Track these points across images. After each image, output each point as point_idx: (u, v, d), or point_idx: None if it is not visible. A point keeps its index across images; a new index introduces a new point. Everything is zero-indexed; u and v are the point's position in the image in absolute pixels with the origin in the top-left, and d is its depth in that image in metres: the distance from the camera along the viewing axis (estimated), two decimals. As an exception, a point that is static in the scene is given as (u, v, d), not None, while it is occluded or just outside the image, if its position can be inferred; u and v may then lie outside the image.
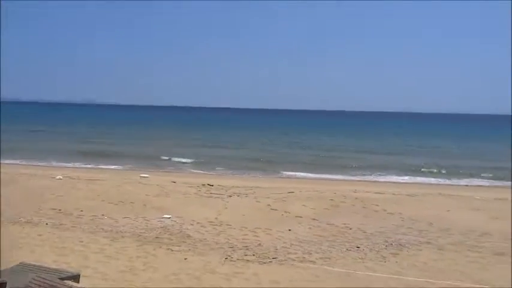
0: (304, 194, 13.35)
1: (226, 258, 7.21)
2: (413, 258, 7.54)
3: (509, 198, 13.21)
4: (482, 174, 20.71)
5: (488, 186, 18.09)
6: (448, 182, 19.23)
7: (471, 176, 20.56)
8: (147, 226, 9.13)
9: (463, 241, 8.68)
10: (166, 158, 24.47)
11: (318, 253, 7.68)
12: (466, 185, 18.25)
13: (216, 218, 9.97)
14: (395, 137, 47.29)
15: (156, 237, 8.33)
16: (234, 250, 7.69)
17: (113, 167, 20.72)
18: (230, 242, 8.20)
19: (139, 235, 8.43)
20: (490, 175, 20.58)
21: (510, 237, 8.95)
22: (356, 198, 12.85)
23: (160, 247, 7.73)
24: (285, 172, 20.87)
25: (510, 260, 7.50)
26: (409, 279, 6.52)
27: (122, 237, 8.25)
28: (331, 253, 7.71)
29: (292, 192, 13.48)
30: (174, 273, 6.45)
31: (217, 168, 21.43)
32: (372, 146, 34.77)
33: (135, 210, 10.51)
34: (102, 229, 8.73)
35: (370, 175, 20.60)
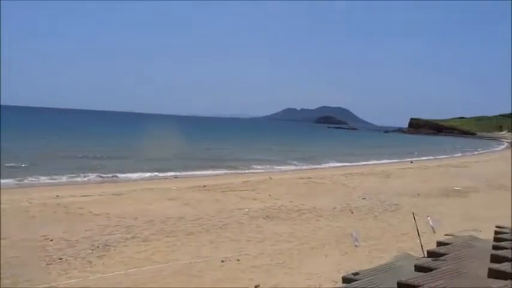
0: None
1: None
2: (120, 255, 7.72)
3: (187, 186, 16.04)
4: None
5: (176, 177, 21.00)
6: (148, 176, 20.84)
7: (171, 170, 23.27)
8: None
9: (163, 228, 9.72)
10: None
11: (7, 279, 6.44)
12: (165, 178, 20.54)
13: None
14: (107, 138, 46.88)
15: None
16: None
17: None
18: None
19: None
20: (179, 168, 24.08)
21: (198, 217, 10.88)
22: (58, 204, 11.76)
23: None
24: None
25: (196, 238, 9.12)
26: (113, 275, 6.64)
27: None
28: (28, 275, 6.65)
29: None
30: None
31: None
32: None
33: None
34: None
35: (74, 177, 19.31)
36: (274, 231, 9.92)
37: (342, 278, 5.16)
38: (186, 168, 24.35)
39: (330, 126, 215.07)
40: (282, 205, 13.11)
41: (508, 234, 7.03)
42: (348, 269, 6.82)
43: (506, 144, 79.68)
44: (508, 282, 3.87)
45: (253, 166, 27.24)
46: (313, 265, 7.52)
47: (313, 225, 10.64)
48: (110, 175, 20.48)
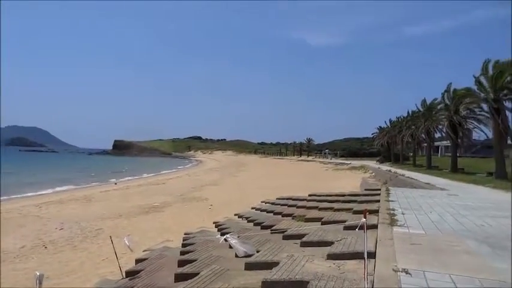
0: None
1: None
2: None
3: None
4: None
5: None
6: None
7: None
8: None
9: None
10: None
11: None
12: None
13: None
14: None
15: None
16: None
17: None
18: None
19: None
20: None
21: None
22: None
23: None
24: None
25: None
26: None
27: None
28: None
29: None
30: None
31: None
32: None
33: None
34: None
35: None
36: None
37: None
38: None
39: (21, 149, 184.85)
40: None
41: (193, 239, 8.20)
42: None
43: (196, 162, 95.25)
44: (188, 281, 4.40)
45: None
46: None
47: (-10, 274, 8.47)
48: None
